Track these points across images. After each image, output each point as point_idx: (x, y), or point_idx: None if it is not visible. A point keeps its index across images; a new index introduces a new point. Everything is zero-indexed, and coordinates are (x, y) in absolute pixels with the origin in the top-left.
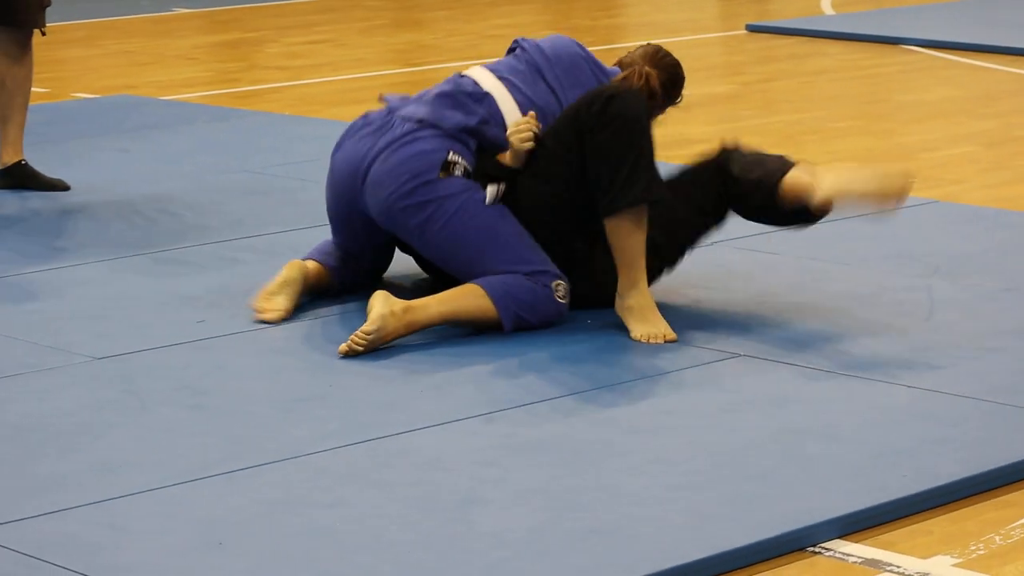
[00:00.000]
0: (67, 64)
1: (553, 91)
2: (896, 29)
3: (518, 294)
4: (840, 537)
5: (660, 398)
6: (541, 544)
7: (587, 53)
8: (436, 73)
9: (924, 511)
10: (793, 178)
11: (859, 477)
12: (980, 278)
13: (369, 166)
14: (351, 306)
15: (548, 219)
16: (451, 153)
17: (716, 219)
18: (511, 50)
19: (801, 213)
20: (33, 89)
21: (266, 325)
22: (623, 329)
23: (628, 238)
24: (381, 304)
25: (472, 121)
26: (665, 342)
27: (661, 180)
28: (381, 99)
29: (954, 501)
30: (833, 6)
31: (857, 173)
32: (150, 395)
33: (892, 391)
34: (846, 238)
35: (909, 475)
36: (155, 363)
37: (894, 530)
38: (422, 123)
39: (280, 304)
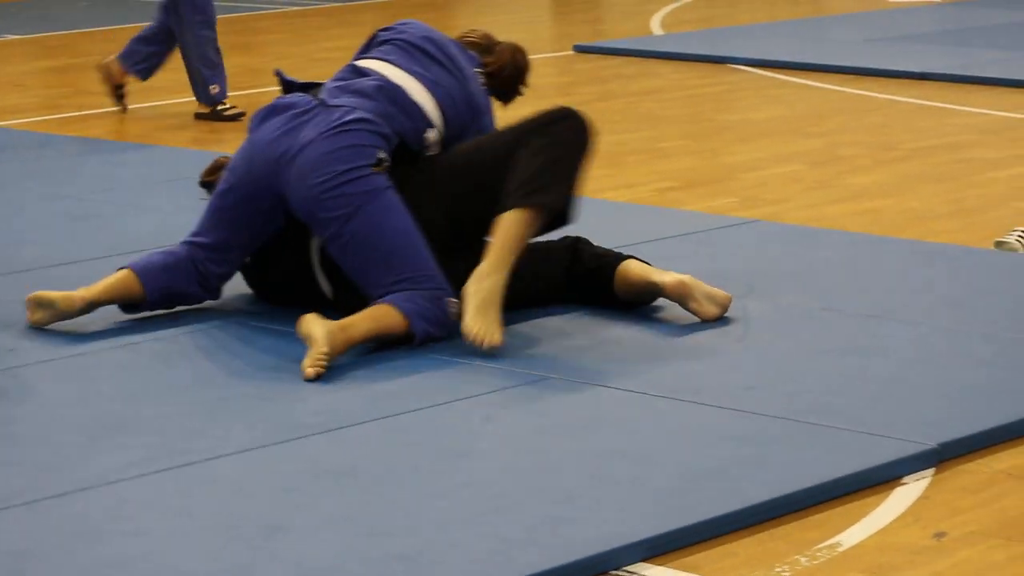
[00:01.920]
0: None
1: (448, 70)
2: (725, 48)
3: (424, 311)
4: (644, 560)
5: (467, 421)
6: (345, 572)
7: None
8: (266, 96)
9: (730, 532)
10: (631, 267)
11: (666, 499)
12: (797, 297)
13: (299, 150)
14: (162, 332)
15: (446, 234)
16: (381, 151)
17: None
18: (377, 41)
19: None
20: None
21: (78, 352)
22: (429, 351)
23: (519, 230)
24: (320, 324)
25: (408, 127)
26: (485, 347)
27: (574, 208)
28: (278, 75)
29: (760, 523)
30: (663, 26)
31: (699, 285)
32: None
33: (701, 412)
34: (663, 258)
35: (715, 496)
36: None
37: (699, 552)
38: (360, 119)
39: (37, 317)
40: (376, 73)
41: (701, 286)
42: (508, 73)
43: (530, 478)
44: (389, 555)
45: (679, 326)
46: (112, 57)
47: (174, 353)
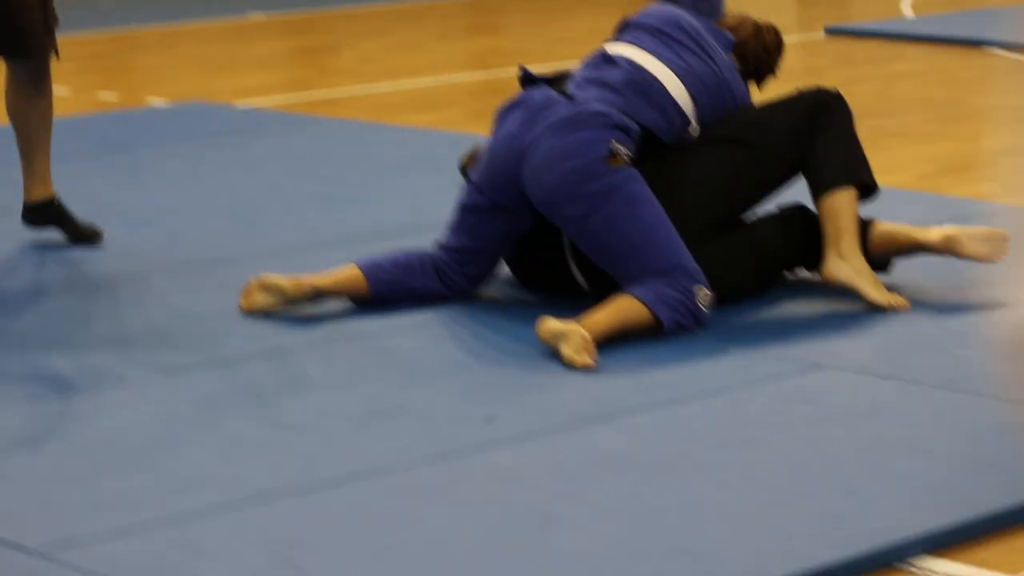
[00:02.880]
0: (139, 70)
1: (700, 56)
2: (978, 31)
3: (670, 299)
4: (929, 554)
5: (743, 411)
6: (624, 564)
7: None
8: (513, 78)
9: (1015, 525)
10: (879, 229)
11: (949, 492)
12: None
13: (532, 148)
14: (422, 317)
15: (709, 213)
16: (613, 142)
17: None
18: (628, 25)
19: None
20: (106, 96)
21: (338, 337)
22: (705, 337)
23: (853, 208)
24: (557, 322)
25: (657, 119)
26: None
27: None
28: (521, 70)
29: None
30: (913, 7)
31: (967, 230)
32: (223, 408)
33: (981, 403)
34: None
35: (999, 489)
36: (228, 376)
37: (986, 546)
38: (594, 113)
39: (259, 301)
40: (625, 60)
41: (966, 232)
42: (754, 51)
43: (809, 470)
44: (672, 549)
45: (949, 312)
46: None
47: (431, 338)
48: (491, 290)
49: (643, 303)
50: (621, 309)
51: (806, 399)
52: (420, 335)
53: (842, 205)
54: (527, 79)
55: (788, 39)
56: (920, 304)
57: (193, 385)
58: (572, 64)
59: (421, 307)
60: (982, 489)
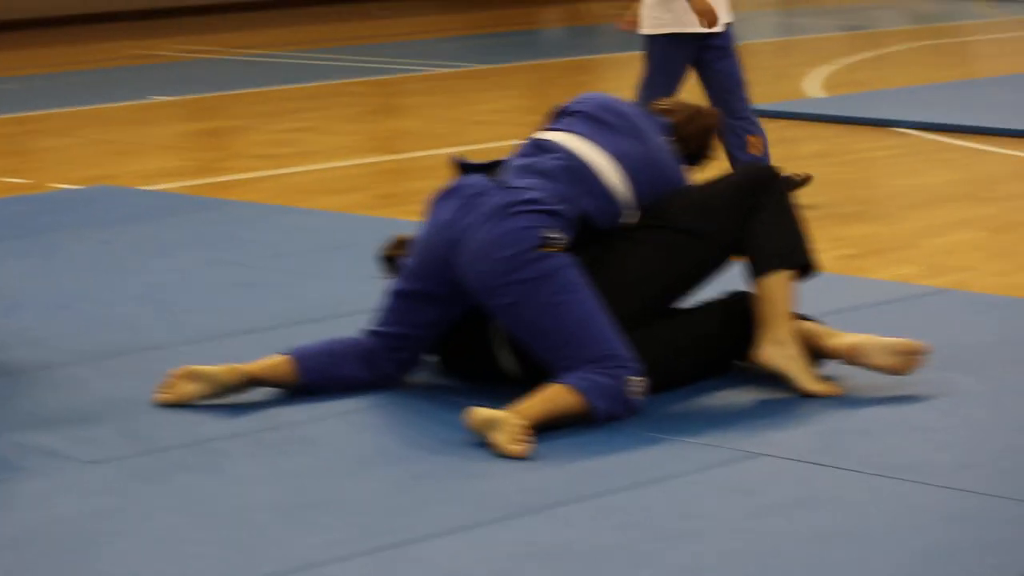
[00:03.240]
0: (44, 154)
1: (634, 140)
2: (887, 111)
3: (603, 389)
4: None
5: (679, 501)
6: None
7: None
8: (420, 160)
9: None
10: (807, 326)
11: None
12: (1000, 370)
13: (465, 237)
14: (354, 403)
15: (645, 298)
16: (546, 230)
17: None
18: (559, 113)
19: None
20: (11, 180)
21: (265, 426)
22: (639, 425)
23: (787, 289)
24: (487, 410)
25: (594, 206)
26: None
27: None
28: (454, 162)
29: None
30: (817, 89)
31: (877, 341)
32: (150, 502)
33: (921, 491)
34: (859, 329)
35: None
36: (153, 467)
37: None
38: (527, 200)
39: (187, 390)
40: (560, 148)
41: (876, 342)
42: (694, 134)
43: (749, 561)
44: None
45: (884, 399)
46: None
47: (358, 427)
48: (418, 376)
49: (576, 391)
50: (554, 397)
51: (743, 489)
52: (347, 423)
53: (777, 289)
54: (462, 167)
55: None
56: (854, 391)
57: (116, 477)
58: (482, 147)
59: (348, 395)
60: None
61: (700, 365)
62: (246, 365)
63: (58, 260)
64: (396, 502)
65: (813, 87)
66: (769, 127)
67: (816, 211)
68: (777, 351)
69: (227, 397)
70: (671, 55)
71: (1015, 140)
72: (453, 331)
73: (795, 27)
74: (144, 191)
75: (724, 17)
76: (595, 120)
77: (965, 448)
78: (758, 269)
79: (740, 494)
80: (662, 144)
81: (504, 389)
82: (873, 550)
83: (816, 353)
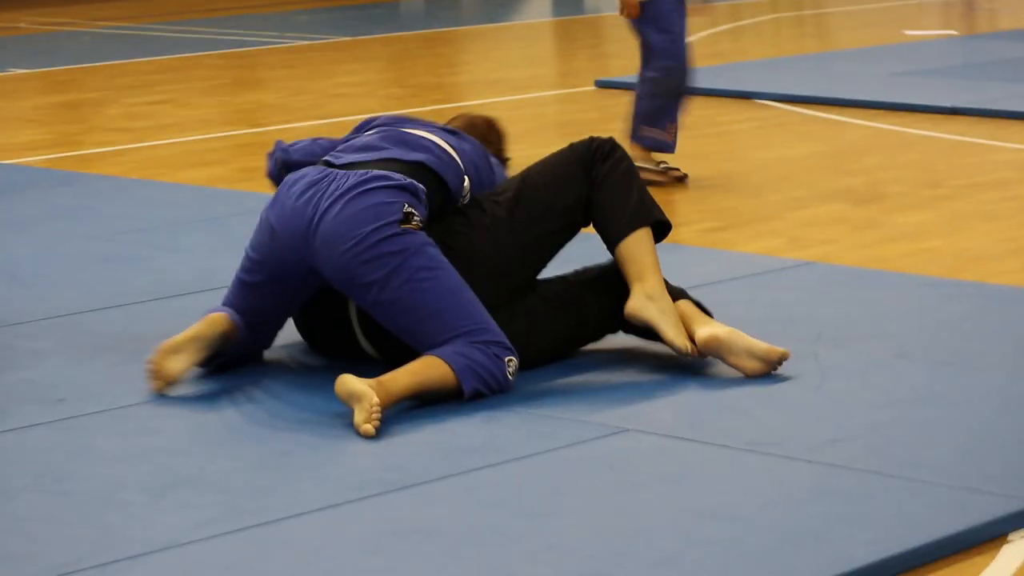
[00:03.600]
0: None
1: (452, 133)
2: (750, 83)
3: (476, 365)
4: None
5: (549, 478)
6: None
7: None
8: (281, 134)
9: None
10: (683, 307)
11: (767, 561)
12: (867, 344)
13: (320, 219)
14: (223, 379)
15: (502, 275)
16: (406, 205)
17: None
18: (363, 128)
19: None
20: None
21: (130, 403)
22: (507, 401)
23: (650, 246)
24: (360, 381)
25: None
26: (696, 356)
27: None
28: (277, 147)
29: None
30: None
31: (738, 339)
32: (11, 482)
33: (792, 466)
34: (724, 302)
35: (819, 558)
36: (15, 446)
37: None
38: (376, 176)
39: (178, 364)
40: (380, 127)
41: (739, 340)
42: (495, 141)
43: (620, 539)
44: None
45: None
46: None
47: (228, 403)
48: (280, 353)
49: (450, 367)
50: (424, 370)
51: (612, 465)
52: (210, 401)
53: (641, 246)
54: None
55: (560, 92)
56: (722, 366)
57: None
58: (341, 120)
59: (209, 372)
60: (796, 557)
61: (568, 340)
62: (214, 313)
63: None
64: (262, 479)
65: None
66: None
67: (678, 184)
68: (650, 305)
69: (113, 370)
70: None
71: (876, 112)
72: (313, 308)
73: None
74: (2, 165)
75: None
76: (407, 121)
77: (833, 422)
78: (616, 234)
79: (609, 470)
80: (474, 142)
81: (365, 367)
82: (745, 526)
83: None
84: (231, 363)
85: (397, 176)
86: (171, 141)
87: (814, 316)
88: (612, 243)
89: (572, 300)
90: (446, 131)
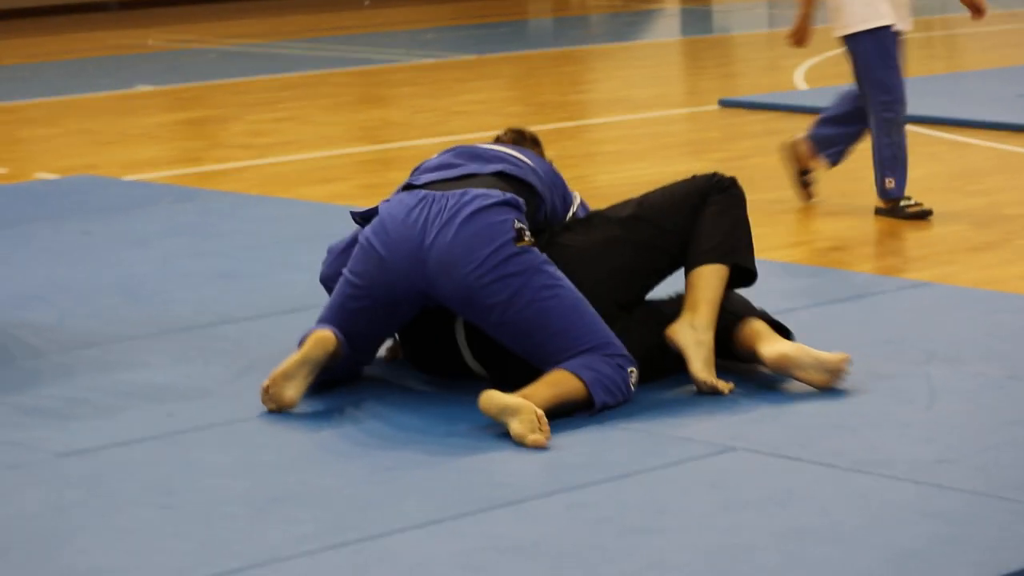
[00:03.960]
0: (27, 143)
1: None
2: None
3: (604, 378)
4: None
5: (653, 496)
6: None
7: None
8: (403, 151)
9: None
10: (748, 329)
11: None
12: (981, 365)
13: (432, 244)
14: (327, 395)
15: (611, 291)
16: (516, 221)
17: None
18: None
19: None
20: None
21: (234, 418)
22: (613, 418)
23: (719, 284)
24: (508, 395)
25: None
26: (718, 392)
27: (753, 258)
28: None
29: None
30: (806, 80)
31: (806, 354)
32: (118, 494)
33: (898, 487)
34: (835, 322)
35: None
36: (123, 459)
37: None
38: (480, 195)
39: (292, 391)
40: (473, 153)
41: (807, 355)
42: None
43: (721, 558)
44: None
45: (861, 392)
46: (800, 136)
47: (332, 420)
48: (379, 372)
49: (579, 379)
50: (559, 382)
51: (717, 484)
52: (316, 416)
53: (710, 279)
54: (360, 217)
55: (683, 111)
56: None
57: (87, 469)
58: (464, 137)
59: (310, 393)
60: None
61: (674, 358)
62: (321, 332)
63: (35, 249)
64: (364, 495)
65: (797, 79)
66: (754, 119)
67: (797, 203)
68: (689, 333)
69: (222, 390)
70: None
71: (1001, 133)
72: (417, 328)
73: (785, 19)
74: (125, 181)
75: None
76: (471, 153)
77: (942, 443)
78: (693, 260)
79: (713, 489)
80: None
81: (471, 383)
82: (848, 547)
83: (751, 356)
84: (333, 380)
85: (496, 193)
86: (293, 158)
87: (928, 336)
88: (688, 268)
89: (659, 323)
90: (509, 144)
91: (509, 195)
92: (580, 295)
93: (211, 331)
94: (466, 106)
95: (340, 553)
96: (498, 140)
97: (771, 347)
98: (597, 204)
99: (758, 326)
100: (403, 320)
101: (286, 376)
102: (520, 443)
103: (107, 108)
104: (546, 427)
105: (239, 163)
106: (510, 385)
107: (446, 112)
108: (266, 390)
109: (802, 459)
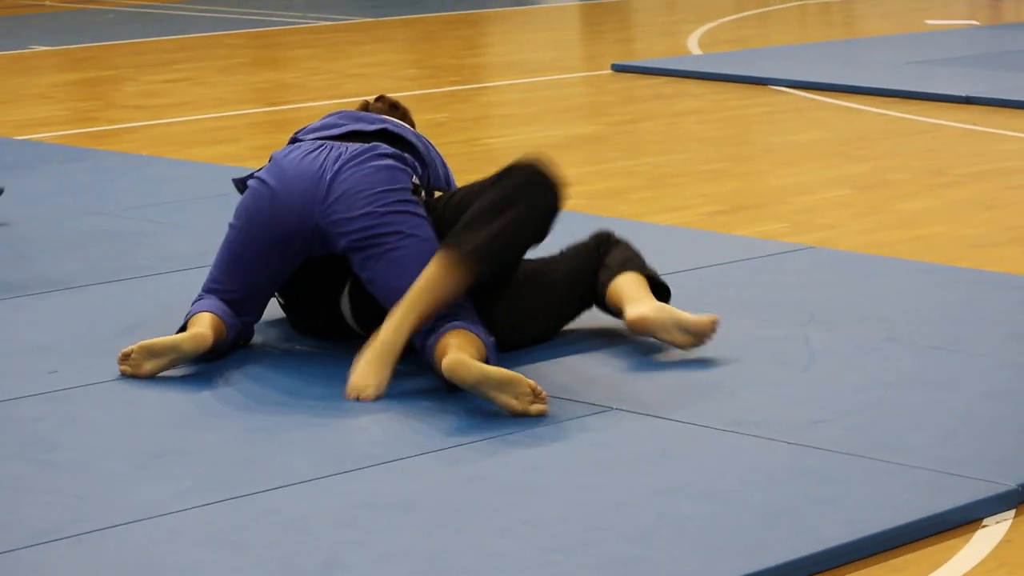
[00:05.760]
0: None
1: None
2: (764, 69)
3: (494, 344)
4: None
5: (529, 455)
6: None
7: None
8: (297, 112)
9: None
10: (619, 285)
11: (740, 540)
12: (858, 327)
13: (333, 177)
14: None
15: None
16: (414, 177)
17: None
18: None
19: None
20: None
21: (121, 376)
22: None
23: (643, 284)
24: (479, 364)
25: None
26: (360, 399)
27: (492, 258)
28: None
29: (840, 566)
30: (700, 46)
31: (667, 315)
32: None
33: (772, 447)
34: (717, 284)
35: (792, 538)
36: (4, 416)
37: None
38: (376, 146)
39: (151, 367)
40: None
41: (669, 317)
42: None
43: (596, 516)
44: None
45: (739, 354)
46: None
47: (215, 379)
48: (257, 335)
49: (482, 343)
50: (475, 343)
51: (593, 443)
52: (197, 376)
53: (634, 282)
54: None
55: (576, 75)
56: (712, 347)
57: None
58: (358, 99)
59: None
60: (769, 536)
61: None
62: (201, 330)
63: None
64: (244, 453)
65: (692, 44)
66: (646, 83)
67: (683, 167)
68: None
69: (110, 345)
70: None
71: (889, 99)
72: (301, 296)
73: None
74: (17, 140)
75: None
76: (354, 116)
77: (817, 404)
78: (604, 278)
79: (589, 448)
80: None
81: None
82: (722, 506)
83: (618, 313)
84: (223, 353)
85: (390, 148)
86: (185, 119)
87: (808, 299)
88: (602, 290)
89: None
90: (384, 112)
91: (405, 155)
92: None
93: (96, 290)
94: (361, 68)
95: (219, 508)
96: (366, 107)
97: (633, 308)
98: (486, 166)
99: (628, 286)
100: (289, 268)
101: (152, 352)
102: (522, 415)
103: (1, 68)
104: (543, 394)
105: (132, 124)
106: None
107: (341, 75)
108: (127, 356)
109: (678, 420)
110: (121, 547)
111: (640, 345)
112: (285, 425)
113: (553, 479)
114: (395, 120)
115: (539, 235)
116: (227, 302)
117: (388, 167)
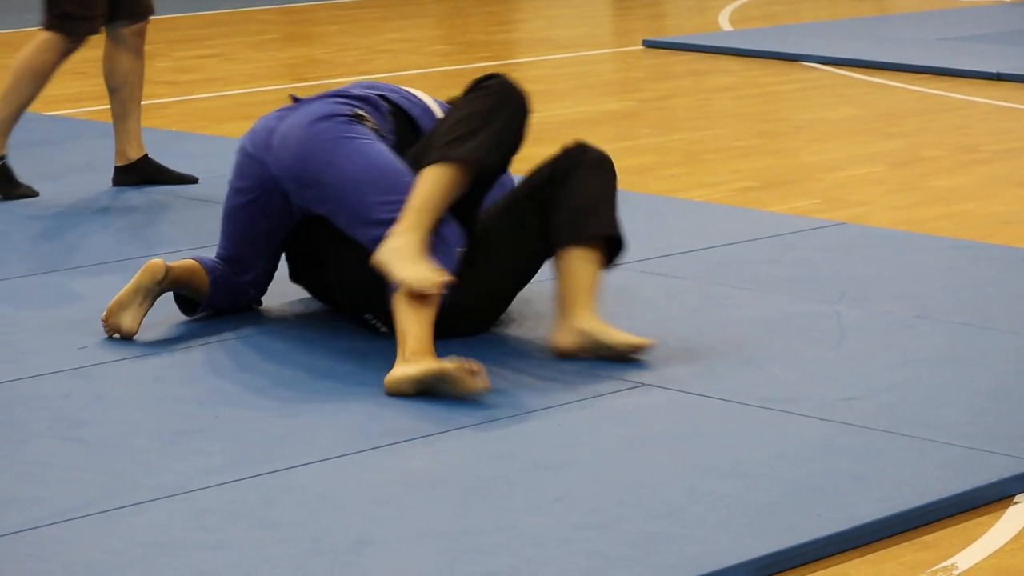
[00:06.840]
0: None
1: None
2: (796, 46)
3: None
4: None
5: (561, 431)
6: None
7: None
8: (326, 87)
9: (839, 553)
10: (563, 274)
11: (770, 517)
12: (890, 304)
13: (275, 127)
14: (243, 331)
15: None
16: (358, 109)
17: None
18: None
19: None
20: None
21: (148, 352)
22: (519, 356)
23: (436, 187)
24: (405, 369)
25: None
26: (438, 289)
27: (487, 155)
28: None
29: (871, 543)
30: (731, 22)
31: (591, 342)
32: (27, 427)
33: (803, 424)
34: (749, 261)
35: (823, 515)
36: (32, 393)
37: (808, 574)
38: (333, 94)
39: (129, 319)
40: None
41: (594, 343)
42: None
43: (627, 492)
44: (482, 572)
45: (770, 331)
46: None
47: (243, 356)
48: (291, 307)
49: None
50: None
51: (625, 420)
52: (225, 350)
53: (577, 271)
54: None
55: (606, 51)
56: (735, 322)
57: None
58: (388, 75)
59: (225, 322)
60: (805, 515)
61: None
62: (152, 260)
63: None
64: (274, 429)
65: (723, 20)
66: (678, 60)
67: (715, 144)
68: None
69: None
70: None
71: (921, 76)
72: (298, 249)
73: None
74: (46, 116)
75: None
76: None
77: (849, 381)
78: (559, 240)
79: (620, 424)
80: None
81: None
82: (752, 482)
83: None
84: (225, 307)
85: (357, 91)
86: (216, 95)
87: (839, 276)
88: (559, 243)
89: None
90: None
91: (370, 95)
92: (403, 163)
93: (126, 265)
94: (391, 44)
95: (248, 484)
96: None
97: (560, 335)
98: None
99: (571, 281)
100: (284, 223)
101: (120, 305)
102: (473, 392)
103: (27, 43)
104: (475, 366)
105: (164, 99)
106: (383, 319)
107: (371, 51)
108: (105, 320)
109: (710, 396)
110: (150, 524)
111: (661, 318)
112: (315, 401)
113: (584, 456)
114: (411, 92)
115: (521, 141)
116: (224, 260)
117: (329, 103)
